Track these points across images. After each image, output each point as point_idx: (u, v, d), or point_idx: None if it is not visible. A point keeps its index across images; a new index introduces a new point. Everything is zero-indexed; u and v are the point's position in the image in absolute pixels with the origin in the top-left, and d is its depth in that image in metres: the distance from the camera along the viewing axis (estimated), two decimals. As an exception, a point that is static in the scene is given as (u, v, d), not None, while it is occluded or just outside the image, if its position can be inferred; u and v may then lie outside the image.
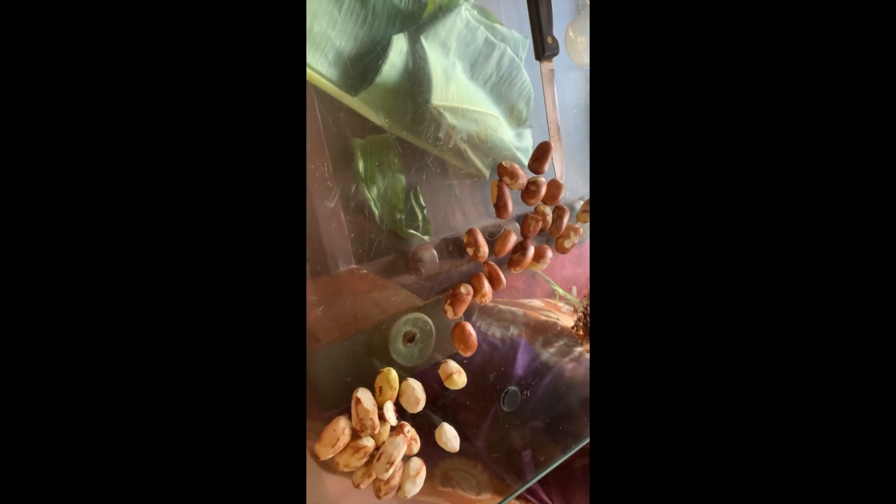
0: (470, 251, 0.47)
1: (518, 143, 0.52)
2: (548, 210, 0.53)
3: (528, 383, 0.55)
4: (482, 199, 0.51)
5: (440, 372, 0.47)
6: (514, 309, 0.55)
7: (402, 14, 0.44)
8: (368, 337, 0.44)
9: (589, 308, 0.60)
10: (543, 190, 0.51)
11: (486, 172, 0.50)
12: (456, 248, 0.49)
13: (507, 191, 0.49)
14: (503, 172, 0.49)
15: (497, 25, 0.49)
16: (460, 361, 0.48)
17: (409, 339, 0.47)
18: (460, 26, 0.46)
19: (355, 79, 0.41)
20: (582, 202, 0.58)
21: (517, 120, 0.53)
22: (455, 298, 0.46)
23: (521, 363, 0.54)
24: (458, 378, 0.47)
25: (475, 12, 0.47)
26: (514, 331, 0.54)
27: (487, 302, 0.49)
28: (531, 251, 0.51)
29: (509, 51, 0.50)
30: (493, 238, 0.50)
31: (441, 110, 0.45)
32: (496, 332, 0.53)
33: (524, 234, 0.52)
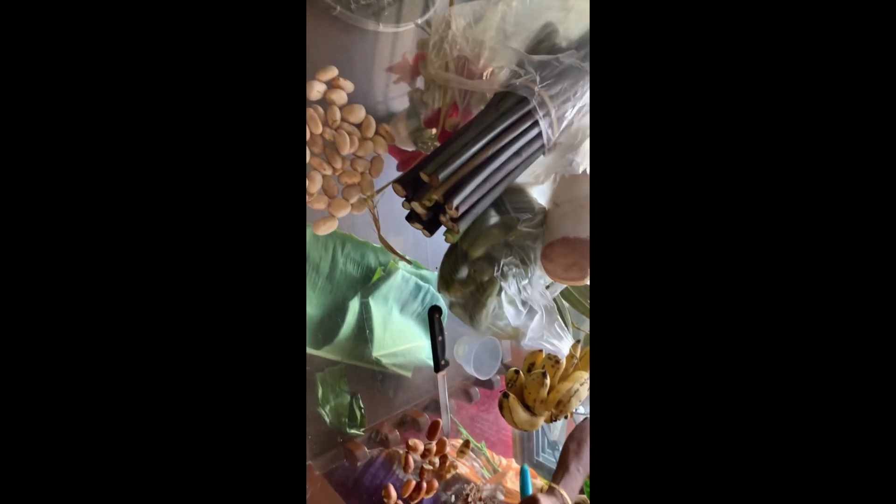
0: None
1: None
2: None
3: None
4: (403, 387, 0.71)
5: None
6: None
7: (356, 281, 0.64)
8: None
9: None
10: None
11: (408, 373, 0.71)
12: (381, 435, 0.68)
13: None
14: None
15: (424, 271, 0.71)
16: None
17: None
18: (398, 280, 0.67)
19: (320, 338, 0.61)
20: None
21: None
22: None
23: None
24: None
25: (409, 266, 0.69)
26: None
27: None
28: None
29: (432, 289, 0.71)
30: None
31: (380, 358, 0.66)
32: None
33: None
